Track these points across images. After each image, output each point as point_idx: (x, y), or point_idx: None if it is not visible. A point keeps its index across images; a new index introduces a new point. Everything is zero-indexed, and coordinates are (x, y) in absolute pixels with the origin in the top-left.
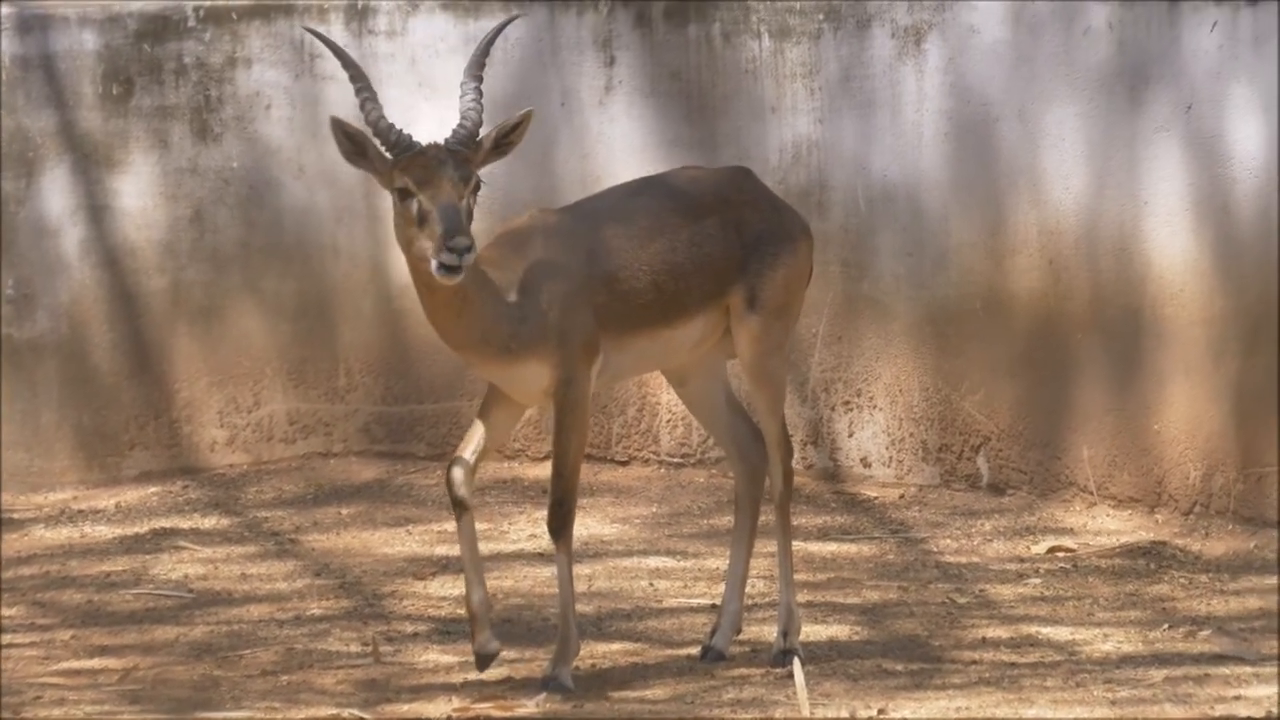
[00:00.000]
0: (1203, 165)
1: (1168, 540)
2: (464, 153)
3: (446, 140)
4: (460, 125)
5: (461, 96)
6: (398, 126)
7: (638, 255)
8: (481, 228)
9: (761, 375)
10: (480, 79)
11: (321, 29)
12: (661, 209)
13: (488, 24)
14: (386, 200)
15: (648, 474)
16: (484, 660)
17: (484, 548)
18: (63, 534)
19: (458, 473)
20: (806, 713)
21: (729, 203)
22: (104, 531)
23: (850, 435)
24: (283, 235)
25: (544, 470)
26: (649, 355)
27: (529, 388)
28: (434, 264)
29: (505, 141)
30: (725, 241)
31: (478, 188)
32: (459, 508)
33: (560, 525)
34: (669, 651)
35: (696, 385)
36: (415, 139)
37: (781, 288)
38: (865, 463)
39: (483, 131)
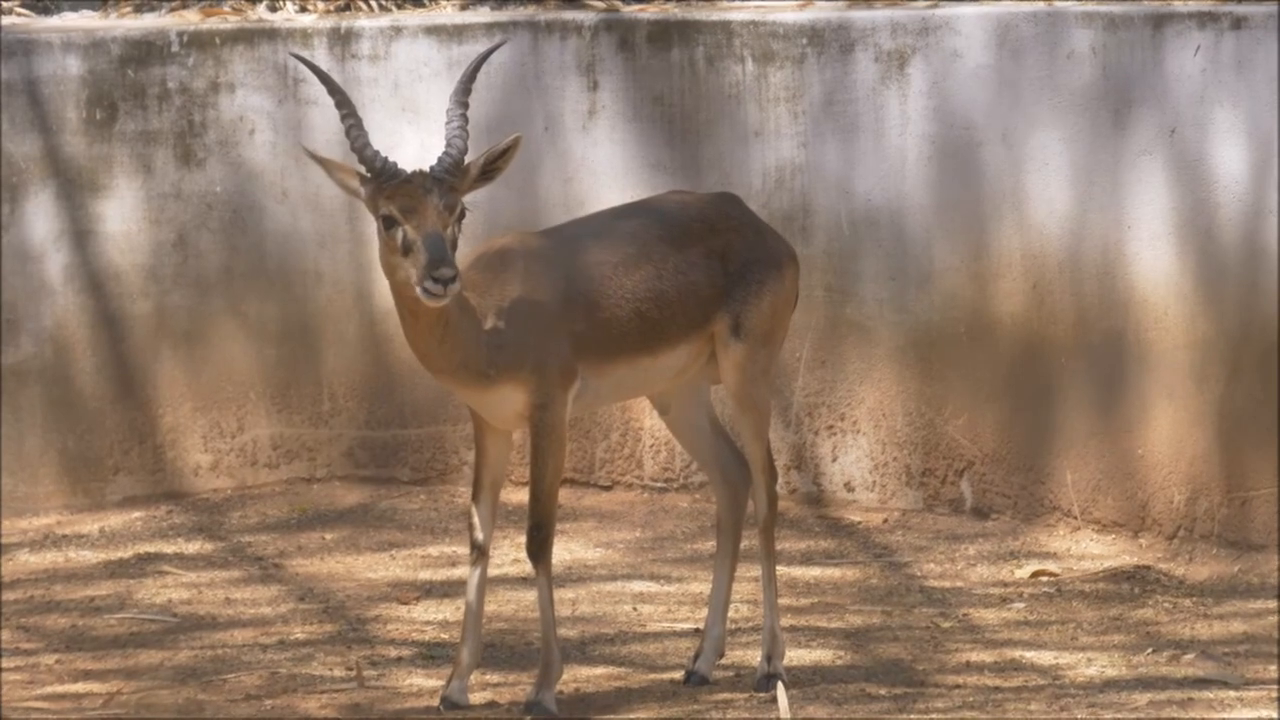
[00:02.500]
0: (1186, 188)
1: (1152, 564)
2: (449, 180)
3: (432, 167)
4: (445, 153)
5: (447, 123)
6: (383, 154)
7: (621, 283)
8: (463, 251)
9: (746, 401)
10: (466, 105)
11: (305, 54)
12: (647, 235)
13: (471, 49)
14: (370, 225)
15: (631, 498)
16: (450, 706)
17: (462, 573)
18: (47, 559)
19: (479, 518)
20: None
21: (715, 229)
22: (88, 556)
23: (834, 460)
24: (266, 260)
25: (525, 495)
26: (629, 382)
27: (504, 412)
28: (418, 289)
29: (493, 167)
30: (710, 269)
31: (463, 215)
32: (477, 552)
33: (539, 549)
34: (652, 676)
35: (680, 410)
36: (400, 166)
37: (767, 314)
38: (849, 487)
39: (469, 158)
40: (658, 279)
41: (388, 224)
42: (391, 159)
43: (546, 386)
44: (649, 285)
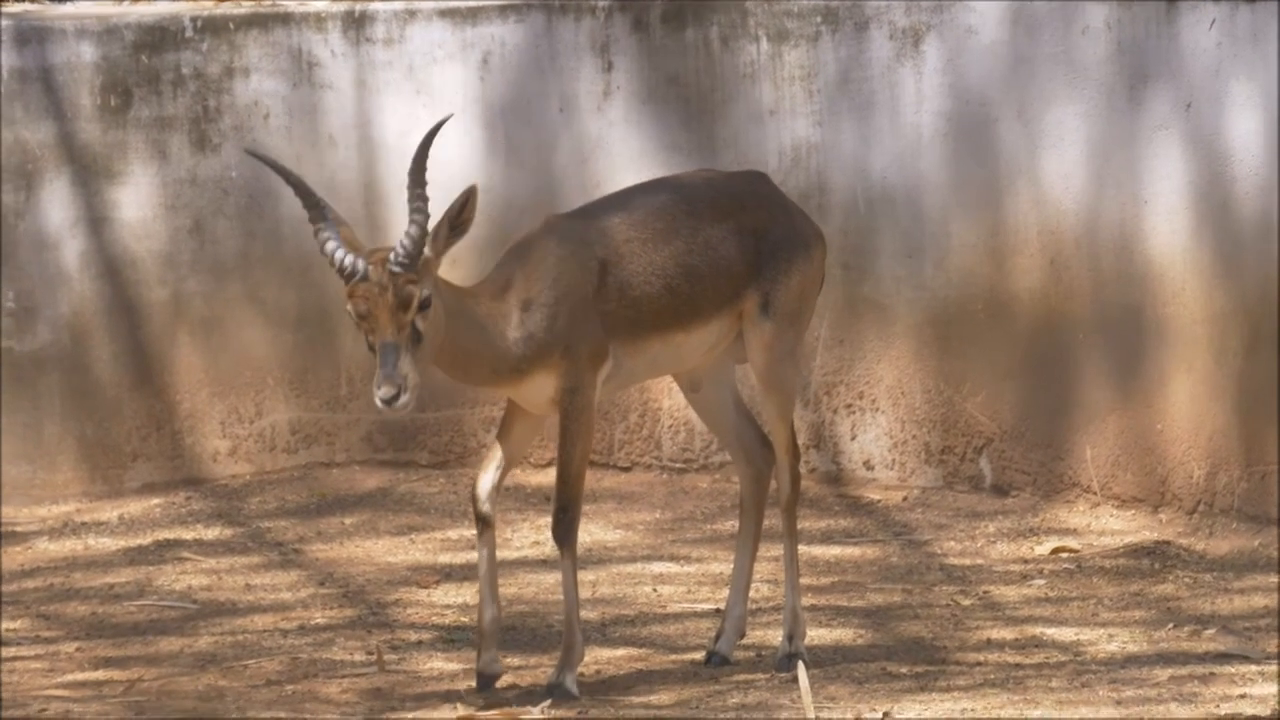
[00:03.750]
0: (1203, 163)
1: (1172, 540)
2: (405, 275)
3: (391, 258)
4: (400, 242)
5: (408, 203)
6: (342, 253)
7: (651, 259)
8: (482, 234)
9: (773, 381)
10: (423, 184)
11: (319, 38)
12: (676, 210)
13: (486, 30)
14: (387, 210)
15: (650, 479)
16: (485, 680)
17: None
18: (66, 546)
19: (482, 488)
20: (811, 716)
21: (744, 206)
22: (107, 543)
23: (853, 438)
24: (282, 245)
25: (546, 477)
26: (664, 358)
27: (536, 398)
28: (375, 396)
29: (459, 222)
30: (741, 245)
31: (426, 303)
32: (482, 524)
33: (565, 532)
34: (673, 657)
35: (708, 389)
36: (359, 263)
37: (796, 294)
38: (868, 465)
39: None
40: (688, 254)
41: (355, 320)
42: (350, 257)
43: (577, 370)
44: (680, 260)
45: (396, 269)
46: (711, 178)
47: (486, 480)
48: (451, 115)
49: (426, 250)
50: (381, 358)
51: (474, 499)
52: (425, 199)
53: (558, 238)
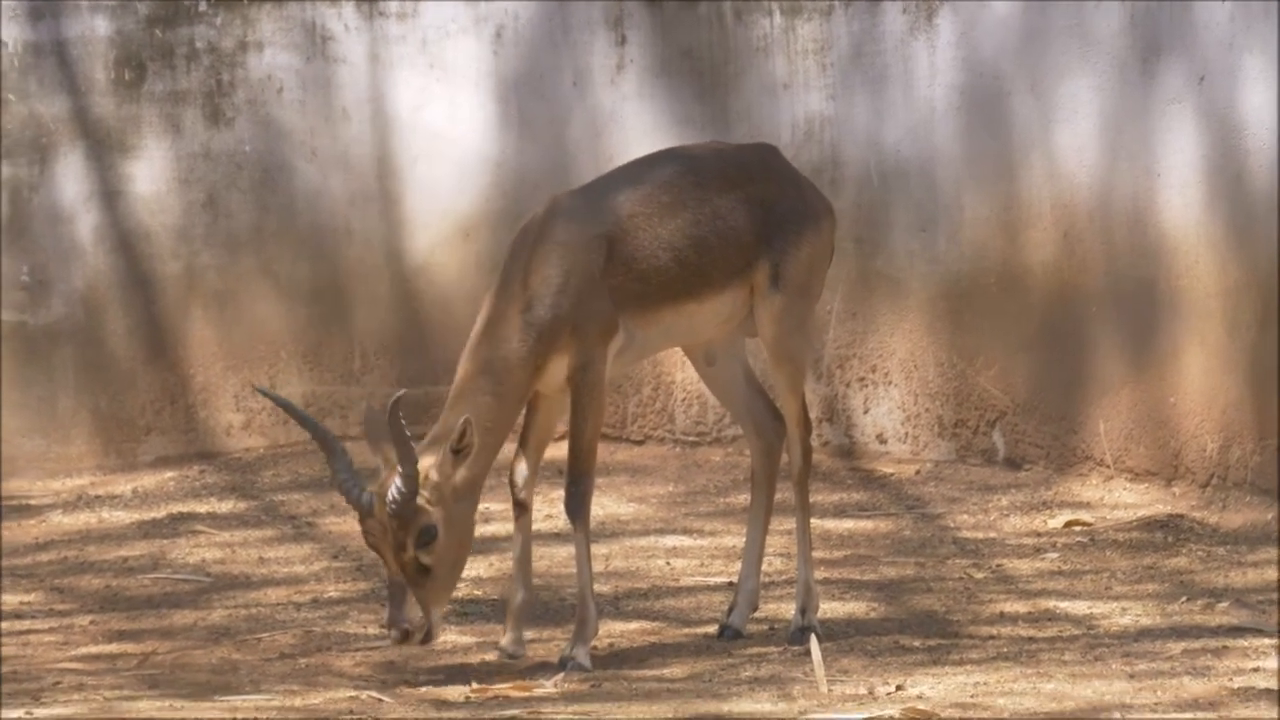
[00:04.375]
0: (1216, 136)
1: (1185, 513)
2: (401, 514)
3: (386, 501)
4: (391, 495)
5: (398, 462)
6: (350, 485)
7: (658, 232)
8: (495, 209)
9: (782, 354)
10: (409, 449)
11: (333, 12)
12: (684, 182)
13: (499, 4)
14: (399, 182)
15: (663, 453)
16: (508, 659)
17: (502, 529)
18: (80, 519)
19: (519, 475)
20: (824, 689)
21: (753, 178)
22: (121, 517)
23: (865, 411)
24: (296, 219)
25: (559, 451)
26: (678, 329)
27: (552, 383)
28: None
29: (461, 447)
30: (749, 216)
31: (427, 536)
32: (518, 508)
33: (578, 506)
34: (686, 630)
35: (722, 363)
36: (364, 499)
37: (805, 266)
38: (881, 439)
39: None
40: (696, 225)
41: None
42: (361, 493)
43: (587, 347)
44: (687, 232)
45: (390, 514)
46: (720, 149)
47: (522, 467)
48: (404, 392)
49: (434, 475)
50: (389, 598)
51: (511, 485)
52: (411, 455)
53: (563, 219)
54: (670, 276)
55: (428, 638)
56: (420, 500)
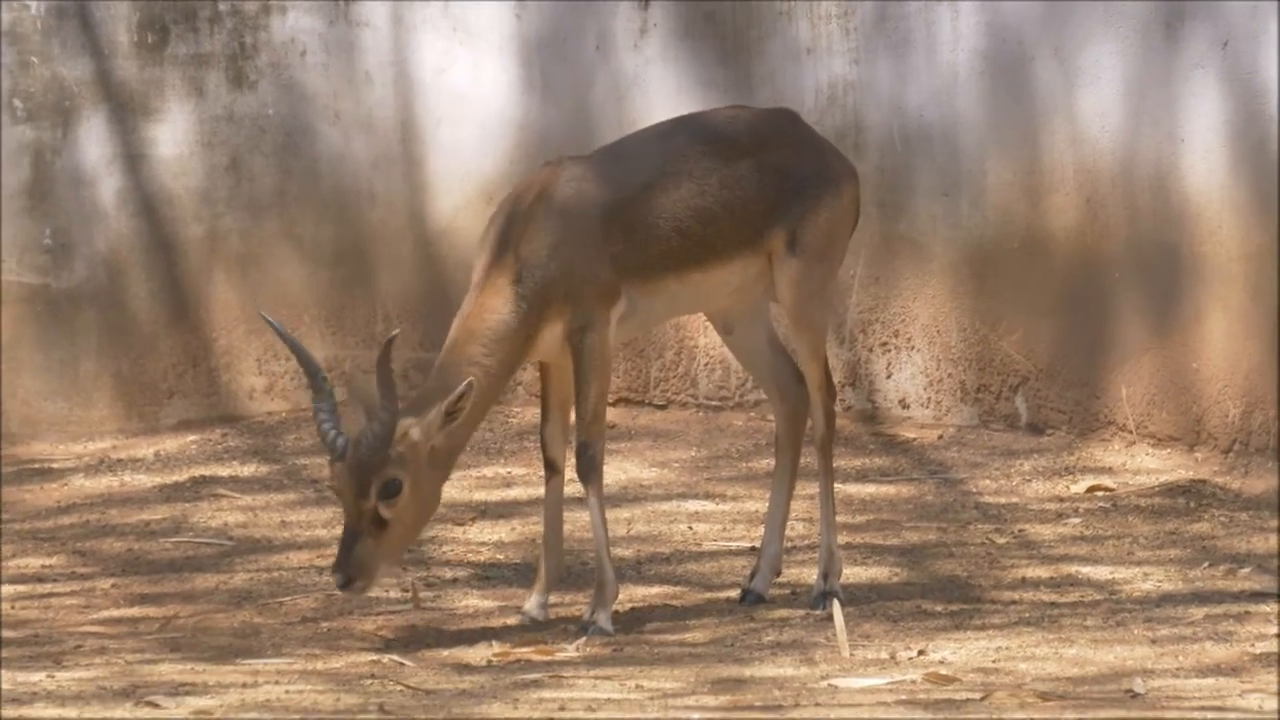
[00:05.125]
0: (1240, 101)
1: (1207, 478)
2: (370, 462)
3: (356, 449)
4: (364, 437)
5: (378, 403)
6: (329, 426)
7: (658, 202)
8: (518, 171)
9: (802, 319)
10: (392, 389)
11: None
12: (691, 152)
13: None
14: (422, 145)
15: (686, 417)
16: (530, 622)
17: (520, 493)
18: (102, 483)
19: (547, 435)
20: (846, 654)
21: (767, 145)
22: (143, 480)
23: (888, 376)
24: (319, 182)
25: None
26: (684, 298)
27: (552, 348)
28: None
29: (455, 410)
30: (762, 184)
31: (391, 489)
32: (549, 469)
33: (588, 470)
34: (708, 595)
35: (742, 329)
36: (338, 443)
37: (823, 231)
38: (903, 404)
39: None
40: (700, 195)
41: None
42: (337, 436)
43: (583, 310)
44: (690, 202)
45: (359, 460)
46: (735, 116)
47: (550, 427)
48: (397, 333)
49: (415, 435)
50: (340, 543)
51: (541, 445)
52: (393, 401)
53: (561, 187)
54: (672, 246)
55: (364, 590)
56: (394, 453)
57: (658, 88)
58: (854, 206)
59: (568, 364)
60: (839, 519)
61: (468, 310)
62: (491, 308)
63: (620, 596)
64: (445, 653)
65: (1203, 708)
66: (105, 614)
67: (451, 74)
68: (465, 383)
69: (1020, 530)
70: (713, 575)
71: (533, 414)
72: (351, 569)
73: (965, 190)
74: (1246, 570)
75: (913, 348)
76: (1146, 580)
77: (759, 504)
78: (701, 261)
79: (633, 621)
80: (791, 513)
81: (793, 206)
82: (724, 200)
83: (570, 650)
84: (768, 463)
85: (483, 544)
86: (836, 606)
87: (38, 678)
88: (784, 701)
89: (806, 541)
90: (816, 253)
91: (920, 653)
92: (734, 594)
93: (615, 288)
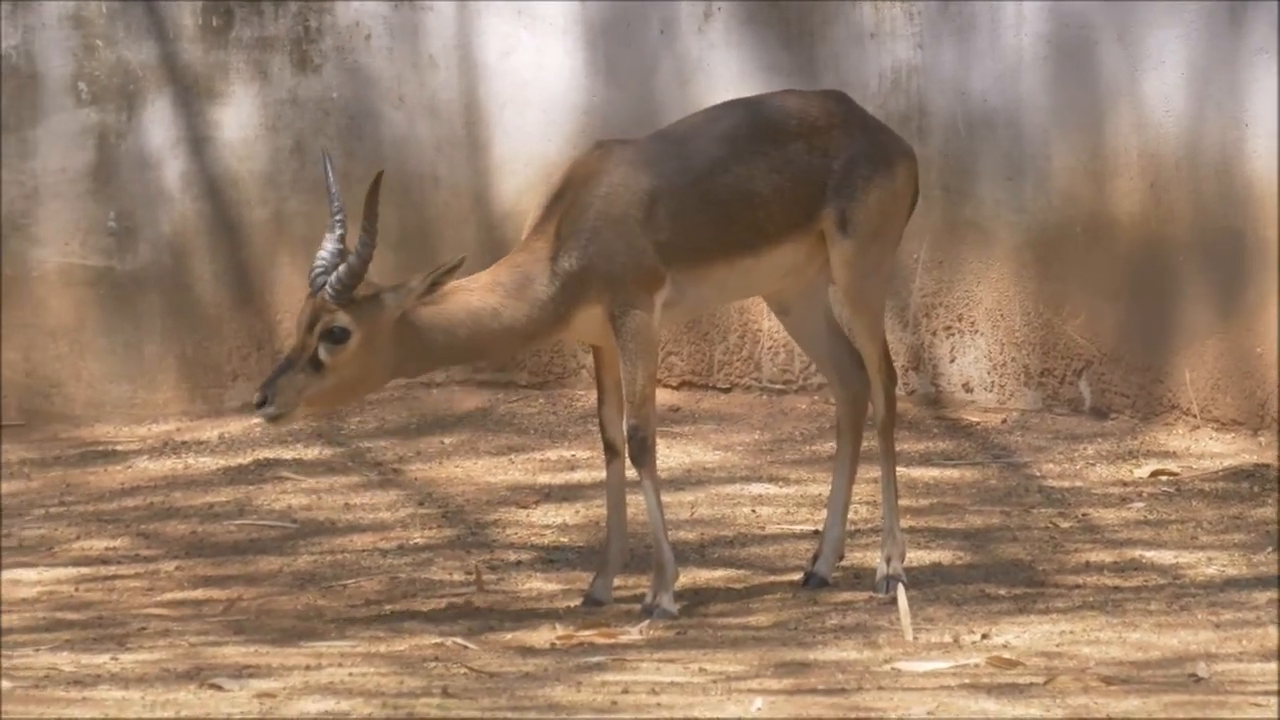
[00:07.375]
0: None
1: (1271, 463)
2: (331, 304)
3: (324, 282)
4: (338, 273)
5: (359, 237)
6: (324, 262)
7: (705, 187)
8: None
9: (858, 300)
10: (374, 224)
11: None
12: (736, 135)
13: None
14: (487, 130)
15: (749, 401)
16: (591, 603)
17: (584, 476)
18: (166, 466)
19: (605, 416)
20: (910, 638)
21: (816, 127)
22: (207, 463)
23: (952, 360)
24: (383, 165)
25: (661, 395)
26: (734, 283)
27: (592, 330)
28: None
29: (438, 282)
30: (811, 165)
31: (337, 335)
32: (609, 451)
33: (640, 453)
34: (771, 578)
35: (799, 311)
36: (321, 277)
37: (875, 211)
38: (967, 388)
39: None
40: (748, 180)
41: None
42: (318, 273)
43: (624, 295)
44: (738, 187)
45: (325, 294)
46: (785, 99)
47: (606, 409)
48: (383, 171)
49: (388, 299)
50: (275, 366)
51: (600, 427)
52: (373, 236)
53: (609, 171)
54: (719, 232)
55: (276, 419)
56: (356, 306)
57: (721, 72)
58: (910, 186)
59: (615, 347)
60: (902, 503)
61: (509, 264)
62: (530, 276)
63: (683, 580)
64: (508, 635)
65: (1266, 692)
66: (169, 596)
67: (516, 58)
68: (458, 257)
69: (1084, 514)
70: (776, 559)
71: (594, 397)
72: (272, 392)
73: (1029, 175)
74: None
75: (976, 332)
76: (1210, 565)
77: (822, 487)
78: (752, 246)
79: (696, 605)
80: (855, 496)
81: (843, 187)
82: (773, 184)
83: (633, 633)
84: (831, 446)
85: (546, 527)
86: (900, 590)
87: (102, 660)
88: (847, 685)
89: (870, 525)
90: (870, 232)
91: (984, 636)
92: (797, 577)
93: (658, 275)
